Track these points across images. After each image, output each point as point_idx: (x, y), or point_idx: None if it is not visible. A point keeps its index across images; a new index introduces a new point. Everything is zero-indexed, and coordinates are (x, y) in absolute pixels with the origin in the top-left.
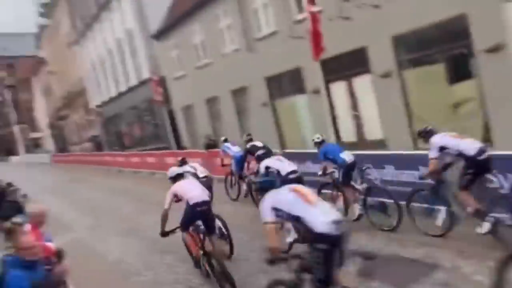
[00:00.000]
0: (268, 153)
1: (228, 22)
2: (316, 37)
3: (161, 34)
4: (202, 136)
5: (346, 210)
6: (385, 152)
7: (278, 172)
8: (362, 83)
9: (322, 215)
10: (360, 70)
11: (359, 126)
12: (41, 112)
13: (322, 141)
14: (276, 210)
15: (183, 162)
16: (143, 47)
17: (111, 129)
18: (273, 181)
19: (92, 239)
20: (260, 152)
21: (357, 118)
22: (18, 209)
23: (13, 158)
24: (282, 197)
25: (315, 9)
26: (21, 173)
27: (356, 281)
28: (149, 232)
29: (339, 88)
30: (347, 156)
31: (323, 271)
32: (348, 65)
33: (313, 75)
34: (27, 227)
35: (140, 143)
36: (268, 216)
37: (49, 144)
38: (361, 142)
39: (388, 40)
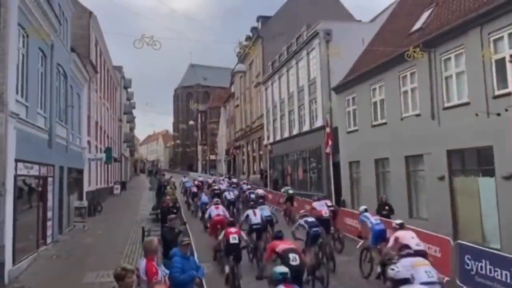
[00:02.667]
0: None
1: (413, 86)
2: None
3: (342, 87)
4: (364, 194)
5: None
6: None
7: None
8: None
9: None
10: None
11: None
12: (222, 139)
13: None
14: None
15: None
16: (322, 97)
17: (277, 167)
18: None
19: None
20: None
21: None
22: (176, 235)
23: (191, 174)
24: None
25: None
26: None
27: None
28: None
29: None
30: None
31: None
32: None
33: (507, 159)
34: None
35: (300, 185)
36: None
37: (222, 168)
38: None
39: None
